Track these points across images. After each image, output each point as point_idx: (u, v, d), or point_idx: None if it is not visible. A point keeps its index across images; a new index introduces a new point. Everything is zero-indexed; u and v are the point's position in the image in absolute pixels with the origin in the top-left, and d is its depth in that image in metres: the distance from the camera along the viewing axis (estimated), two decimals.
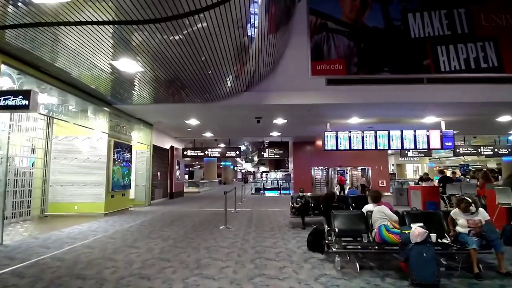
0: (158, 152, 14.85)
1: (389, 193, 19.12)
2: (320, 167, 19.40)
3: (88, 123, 8.94)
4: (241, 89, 8.94)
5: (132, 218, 8.92)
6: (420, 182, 12.33)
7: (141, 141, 12.24)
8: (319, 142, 19.29)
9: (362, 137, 12.06)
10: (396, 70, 9.54)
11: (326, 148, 11.96)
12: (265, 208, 11.83)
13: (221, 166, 50.71)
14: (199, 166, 44.38)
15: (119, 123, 10.23)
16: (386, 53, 9.64)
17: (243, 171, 61.77)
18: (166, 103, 9.35)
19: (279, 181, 26.08)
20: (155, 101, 9.18)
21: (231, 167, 53.92)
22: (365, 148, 12.05)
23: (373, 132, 12.10)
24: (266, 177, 39.94)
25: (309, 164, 19.21)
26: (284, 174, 22.40)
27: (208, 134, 15.78)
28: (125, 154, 10.41)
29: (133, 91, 8.34)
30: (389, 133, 12.15)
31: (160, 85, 7.75)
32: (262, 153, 18.22)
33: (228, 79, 7.77)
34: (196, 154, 17.65)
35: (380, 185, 18.80)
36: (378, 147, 12.09)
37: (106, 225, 7.78)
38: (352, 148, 12.02)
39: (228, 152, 17.61)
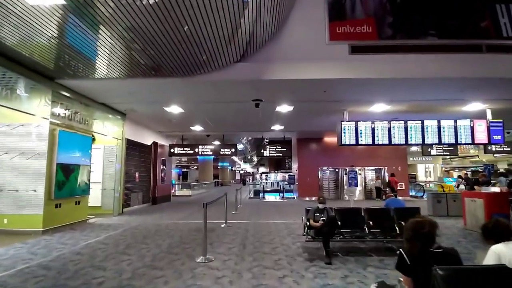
0: (136, 149, 12.29)
1: (409, 198, 16.60)
2: (328, 168, 16.85)
3: (20, 106, 6.41)
4: (234, 58, 6.40)
5: (75, 240, 6.31)
6: (477, 187, 9.71)
7: (109, 134, 9.69)
8: (328, 139, 16.76)
9: (389, 129, 9.54)
10: (445, 34, 7.00)
11: (342, 142, 9.45)
12: (266, 219, 9.26)
13: (218, 167, 48.23)
14: (196, 167, 41.83)
15: (71, 107, 7.66)
16: (432, 11, 7.10)
17: (241, 172, 59.20)
18: (134, 78, 6.79)
19: (280, 183, 23.52)
20: (119, 74, 6.63)
21: (229, 167, 51.39)
22: (392, 143, 9.54)
23: (403, 122, 9.60)
24: (266, 179, 37.51)
25: (315, 164, 16.66)
26: (287, 175, 19.74)
27: (198, 128, 13.24)
28: (80, 149, 7.86)
29: (85, 58, 5.78)
30: (423, 124, 9.63)
31: (121, 46, 5.21)
32: (262, 151, 15.67)
33: (214, 42, 5.24)
34: (185, 151, 15.12)
35: (399, 188, 16.26)
36: (410, 141, 9.58)
37: (27, 252, 5.21)
38: (376, 142, 9.49)
39: (222, 150, 15.07)
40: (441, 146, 14.73)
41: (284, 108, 9.60)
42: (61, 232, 6.93)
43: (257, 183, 27.55)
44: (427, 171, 32.91)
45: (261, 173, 34.99)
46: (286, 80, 6.82)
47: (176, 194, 20.49)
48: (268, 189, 23.52)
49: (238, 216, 9.73)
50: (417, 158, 24.47)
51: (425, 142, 9.62)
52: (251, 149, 30.99)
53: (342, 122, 9.54)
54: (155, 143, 14.11)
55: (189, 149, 15.15)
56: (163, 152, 15.03)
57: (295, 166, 17.86)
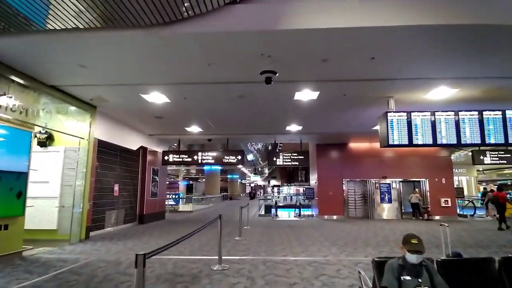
0: (115, 154, 9.80)
1: (458, 217, 13.43)
2: (355, 180, 13.91)
3: None
4: None
5: None
6: None
7: (71, 132, 7.22)
8: (354, 145, 13.90)
9: (456, 123, 6.73)
10: None
11: (389, 142, 6.71)
12: (282, 252, 6.41)
13: (228, 179, 45.63)
14: (204, 179, 39.32)
15: None
16: None
17: (252, 185, 56.29)
18: (74, 32, 4.33)
19: (294, 197, 20.59)
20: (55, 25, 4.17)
21: (239, 180, 48.64)
22: (462, 142, 6.71)
23: (476, 113, 6.79)
24: (278, 192, 34.52)
25: (339, 175, 13.77)
26: (302, 188, 16.77)
27: (195, 129, 10.70)
28: (8, 148, 5.36)
29: None
30: (504, 115, 6.79)
31: None
32: (275, 159, 12.94)
33: None
34: (181, 159, 12.54)
35: (443, 205, 13.15)
36: (487, 141, 6.72)
37: None
38: (438, 142, 6.71)
39: (226, 157, 12.42)
40: (497, 152, 11.69)
41: (306, 95, 6.92)
42: None
43: (268, 197, 24.67)
44: (457, 185, 29.16)
45: (273, 186, 32.02)
46: (315, 31, 4.17)
47: (180, 210, 17.75)
48: (281, 204, 20.65)
49: (241, 246, 6.94)
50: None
51: (509, 140, 6.75)
52: (261, 159, 28.27)
53: (389, 114, 6.80)
54: (144, 149, 11.61)
55: (186, 156, 12.56)
56: (155, 160, 12.50)
57: (313, 177, 15.03)
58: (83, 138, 7.62)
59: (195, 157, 12.49)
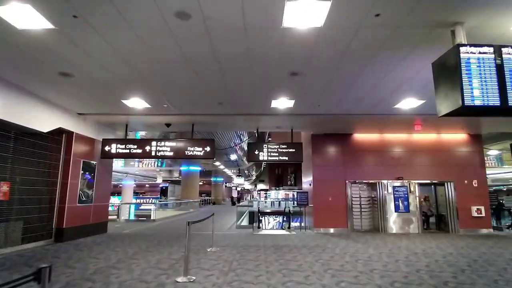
0: (5, 137, 6.33)
1: (492, 230, 10.41)
2: (362, 182, 10.70)
3: None
4: None
5: None
6: None
7: None
8: (359, 136, 10.76)
9: None
10: None
11: (467, 101, 3.43)
12: None
13: (212, 183, 42.06)
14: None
15: None
16: None
17: (238, 189, 52.62)
18: None
19: (283, 203, 17.25)
20: None
21: (225, 183, 45.05)
22: None
23: None
24: (266, 197, 31.07)
25: (341, 175, 10.56)
26: (293, 193, 13.33)
27: (139, 104, 7.32)
28: None
29: None
30: None
31: None
32: (257, 152, 9.71)
33: None
34: (128, 150, 9.15)
35: (476, 214, 10.09)
36: None
37: None
38: None
39: (190, 148, 9.09)
40: None
41: (305, 19, 3.67)
42: None
43: (251, 203, 21.16)
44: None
45: (259, 190, 28.58)
46: None
47: (156, 217, 13.95)
48: (268, 211, 17.29)
49: None
50: None
51: None
52: (247, 159, 24.93)
53: (463, 50, 3.60)
54: (68, 134, 8.11)
55: (135, 146, 9.17)
56: (91, 151, 8.99)
57: (307, 179, 11.82)
58: None
59: (148, 148, 9.13)
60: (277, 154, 9.67)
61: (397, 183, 10.35)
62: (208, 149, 9.10)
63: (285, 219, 12.48)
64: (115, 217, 13.62)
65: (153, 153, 9.10)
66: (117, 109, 7.71)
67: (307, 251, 6.79)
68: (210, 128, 11.67)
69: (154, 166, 28.08)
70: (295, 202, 12.39)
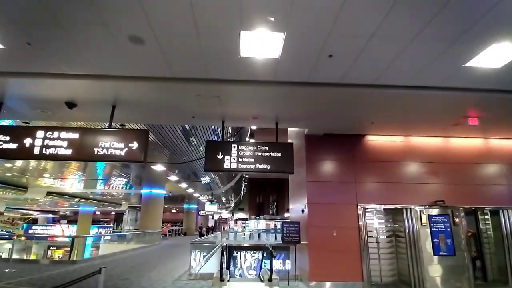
0: None
1: None
2: (383, 206, 7.07)
3: None
4: None
5: None
6: None
7: None
8: (374, 139, 7.34)
9: None
10: None
11: None
12: None
13: (184, 210, 37.31)
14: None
15: None
16: None
17: (215, 217, 47.60)
18: None
19: (262, 234, 13.22)
20: None
21: (200, 211, 40.21)
22: None
23: None
24: (243, 228, 26.71)
25: (351, 196, 6.93)
26: (282, 223, 9.38)
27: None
28: None
29: None
30: None
31: None
32: (220, 155, 6.02)
33: None
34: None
35: None
36: None
37: None
38: None
39: (104, 144, 5.28)
40: None
41: None
42: None
43: (226, 234, 16.91)
44: None
45: (236, 220, 24.35)
46: None
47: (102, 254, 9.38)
48: (246, 245, 13.07)
49: None
50: None
51: None
52: (222, 182, 20.96)
53: None
54: None
55: (6, 138, 5.28)
56: None
57: (295, 204, 8.13)
58: None
59: (28, 142, 5.26)
60: (253, 160, 6.01)
61: (435, 209, 6.84)
62: (134, 145, 5.32)
63: (264, 261, 8.53)
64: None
65: (36, 151, 5.21)
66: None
67: None
68: (149, 118, 7.48)
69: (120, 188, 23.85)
70: (280, 235, 8.53)
